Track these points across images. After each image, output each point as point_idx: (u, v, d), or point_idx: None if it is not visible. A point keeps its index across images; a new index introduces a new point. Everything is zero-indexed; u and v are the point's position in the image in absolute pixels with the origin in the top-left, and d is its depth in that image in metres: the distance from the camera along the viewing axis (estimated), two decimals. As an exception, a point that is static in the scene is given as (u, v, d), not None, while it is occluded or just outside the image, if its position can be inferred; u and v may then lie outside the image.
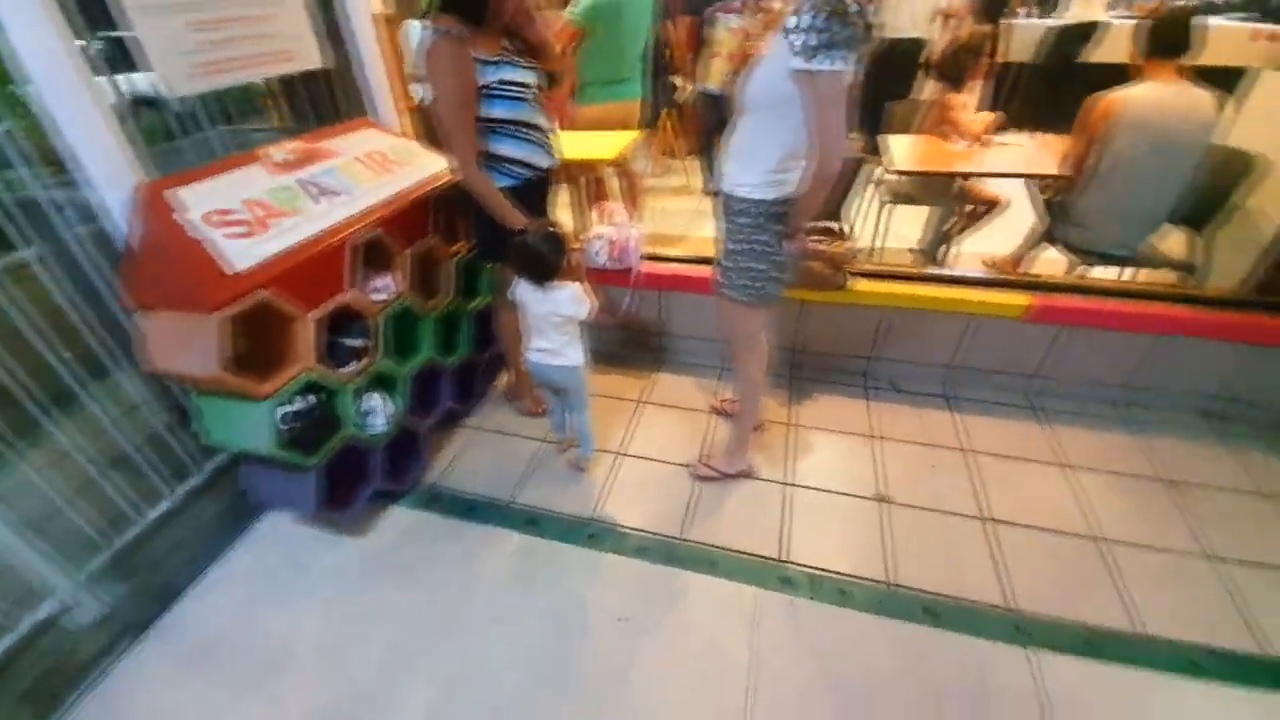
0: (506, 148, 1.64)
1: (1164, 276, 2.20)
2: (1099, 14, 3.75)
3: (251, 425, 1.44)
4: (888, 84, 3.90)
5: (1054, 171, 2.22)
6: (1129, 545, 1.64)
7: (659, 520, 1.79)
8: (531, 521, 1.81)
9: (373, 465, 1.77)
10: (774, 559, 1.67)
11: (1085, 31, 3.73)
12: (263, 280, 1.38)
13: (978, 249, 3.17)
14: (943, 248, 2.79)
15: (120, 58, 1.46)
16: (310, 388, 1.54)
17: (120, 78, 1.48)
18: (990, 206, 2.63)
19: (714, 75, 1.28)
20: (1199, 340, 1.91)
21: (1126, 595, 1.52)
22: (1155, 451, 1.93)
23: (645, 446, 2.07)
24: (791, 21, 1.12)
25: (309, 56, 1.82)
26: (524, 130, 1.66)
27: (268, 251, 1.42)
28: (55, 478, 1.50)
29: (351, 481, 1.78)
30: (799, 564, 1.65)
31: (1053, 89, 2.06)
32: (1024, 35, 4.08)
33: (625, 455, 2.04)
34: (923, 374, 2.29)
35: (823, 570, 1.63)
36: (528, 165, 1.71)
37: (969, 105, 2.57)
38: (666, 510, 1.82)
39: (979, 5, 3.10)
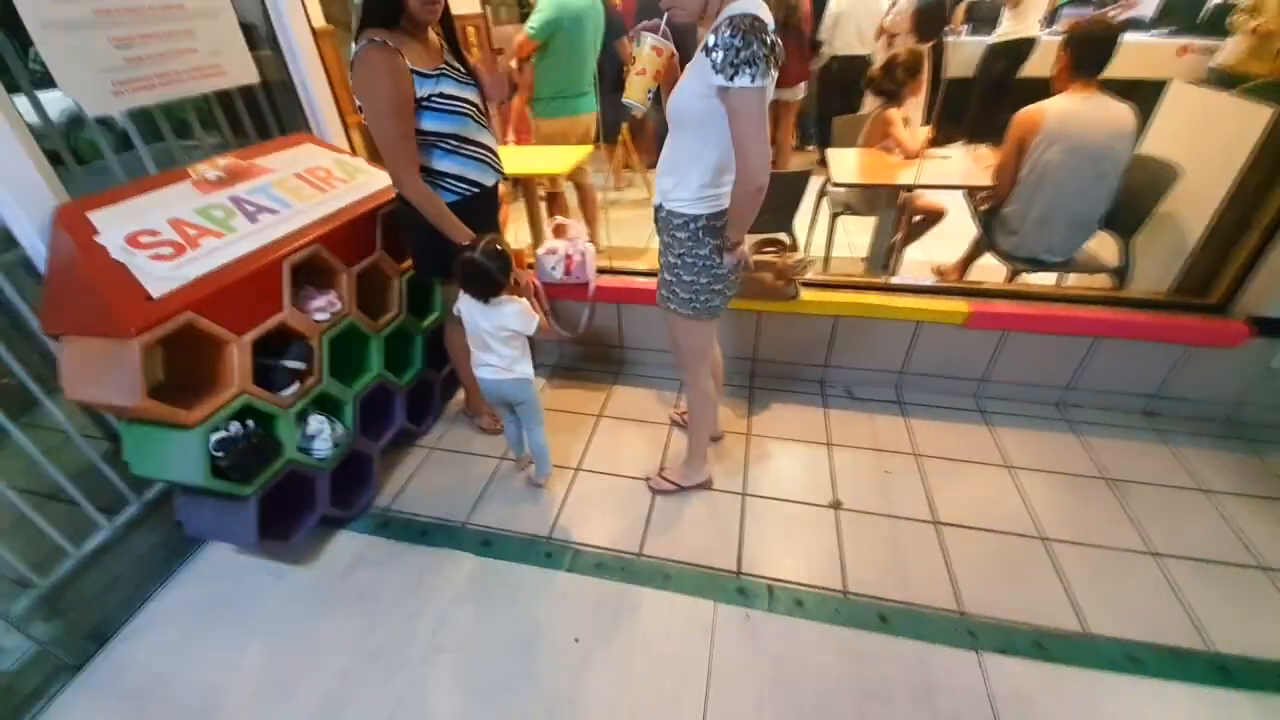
0: (447, 163, 1.62)
1: (1099, 281, 2.28)
2: (1033, 31, 3.92)
3: (180, 455, 1.38)
4: (837, 99, 4.04)
5: (985, 183, 2.30)
6: (1074, 544, 1.68)
7: (616, 536, 1.77)
8: (486, 543, 1.77)
9: (318, 491, 1.71)
10: (731, 571, 1.66)
11: (1020, 48, 3.90)
12: (188, 303, 1.32)
13: (926, 257, 3.27)
14: (892, 257, 2.86)
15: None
16: (245, 413, 1.48)
17: (56, 95, 1.42)
18: (933, 216, 2.71)
19: (634, 91, 1.27)
20: (1133, 341, 1.99)
21: (1072, 594, 1.55)
22: (1097, 451, 1.99)
23: (603, 461, 2.05)
24: (710, 39, 1.13)
25: (243, 72, 1.78)
26: (466, 146, 1.64)
27: (193, 273, 1.37)
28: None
29: (296, 508, 1.72)
30: (756, 575, 1.64)
31: (991, 103, 2.14)
32: (963, 53, 4.25)
33: (583, 470, 2.01)
34: (875, 380, 2.33)
35: (779, 580, 1.63)
36: (470, 182, 1.68)
37: (911, 120, 2.65)
38: (624, 525, 1.80)
39: (917, 23, 3.22)
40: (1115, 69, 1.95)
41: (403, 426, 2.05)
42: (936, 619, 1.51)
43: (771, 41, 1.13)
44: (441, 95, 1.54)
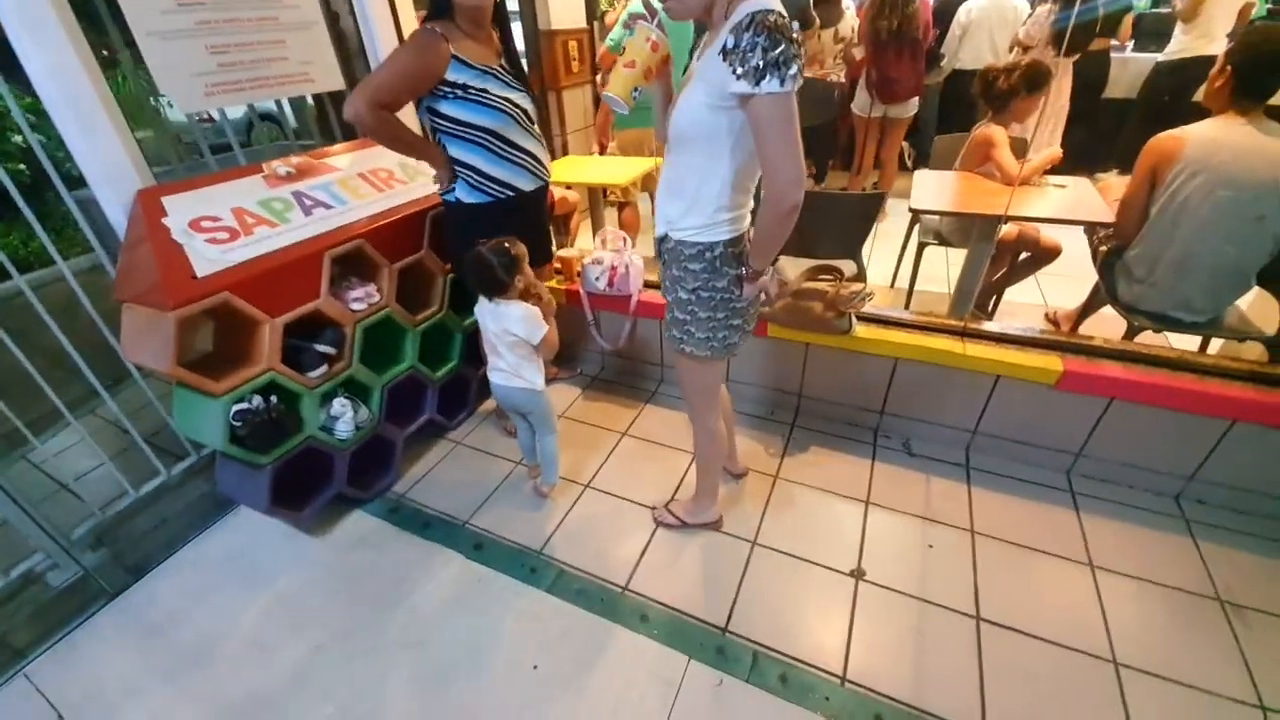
0: (479, 160, 1.65)
1: (1249, 351, 1.81)
2: (1215, 48, 3.20)
3: (207, 420, 1.51)
4: (963, 117, 3.63)
5: (1104, 218, 1.91)
6: (1154, 678, 1.32)
7: (606, 564, 1.69)
8: (478, 546, 1.77)
9: (336, 469, 1.81)
10: (717, 627, 1.50)
11: (1194, 68, 3.22)
12: (227, 284, 1.45)
13: (1042, 301, 2.84)
14: (989, 297, 2.50)
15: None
16: (272, 389, 1.60)
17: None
18: (1045, 256, 2.32)
19: (618, 85, 1.17)
20: (1286, 433, 1.54)
21: (1139, 743, 1.22)
22: (1217, 563, 1.57)
23: (614, 482, 1.97)
24: (730, 41, 1.01)
25: (329, 79, 1.94)
26: (503, 147, 1.67)
27: (240, 257, 1.50)
28: (78, 446, 1.71)
29: (316, 483, 1.83)
30: (742, 637, 1.48)
31: (1155, 130, 1.76)
32: (1124, 71, 3.64)
33: (591, 488, 1.95)
34: (942, 438, 2.02)
35: (767, 648, 1.45)
36: (506, 185, 1.71)
37: (1029, 143, 2.29)
38: (617, 554, 1.71)
39: (1057, 35, 2.79)
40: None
41: (432, 418, 2.12)
42: (947, 737, 1.26)
43: (797, 41, 1.00)
44: (484, 90, 1.58)
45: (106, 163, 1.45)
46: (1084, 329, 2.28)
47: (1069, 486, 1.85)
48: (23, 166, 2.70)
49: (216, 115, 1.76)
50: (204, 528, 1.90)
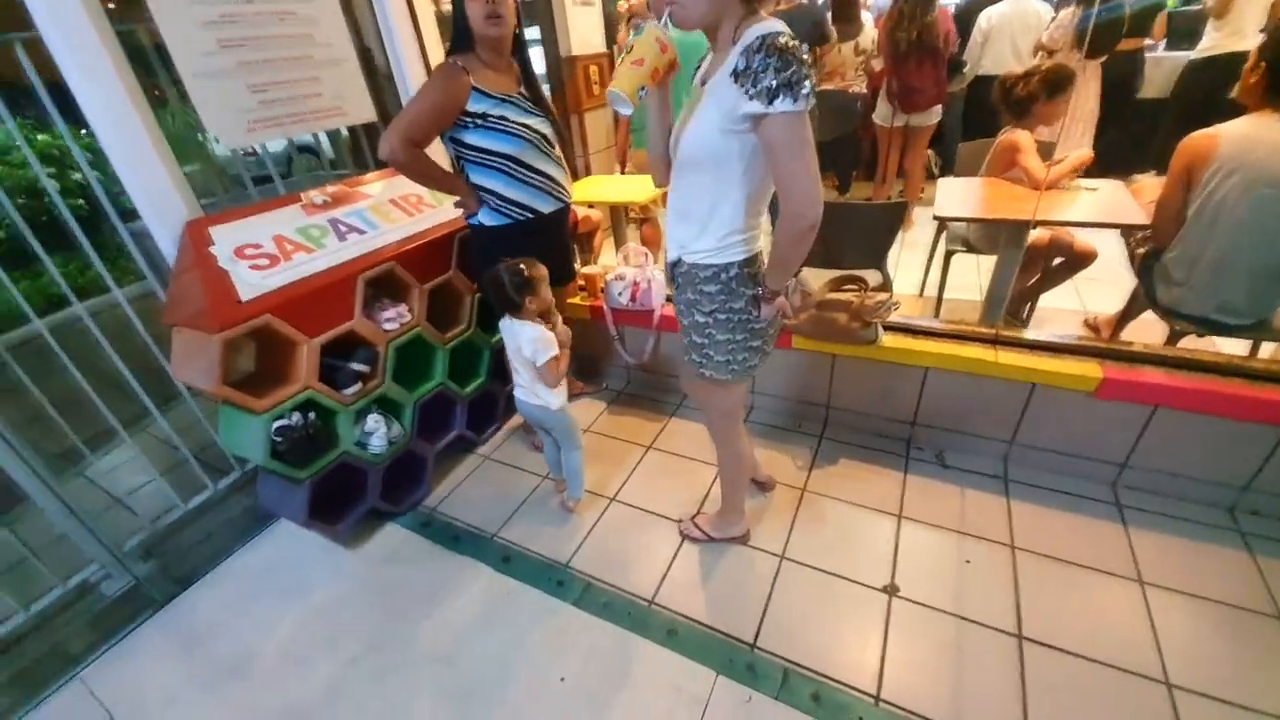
0: (499, 184, 1.70)
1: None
2: (1248, 44, 3.07)
3: (249, 436, 1.58)
4: (988, 123, 3.58)
5: (1138, 220, 1.86)
6: (1213, 700, 1.25)
7: (632, 577, 1.68)
8: (506, 559, 1.79)
9: (369, 484, 1.86)
10: (746, 643, 1.48)
11: (1227, 65, 3.11)
12: (268, 307, 1.52)
13: (1080, 306, 2.76)
14: (1022, 304, 2.44)
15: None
16: (309, 406, 1.66)
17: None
18: (1079, 260, 2.26)
19: (624, 81, 1.11)
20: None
21: (1198, 771, 1.15)
22: (1276, 577, 1.48)
23: (640, 495, 1.97)
24: (741, 64, 1.01)
25: (362, 111, 2.03)
26: (525, 172, 1.72)
27: (279, 282, 1.58)
28: (131, 462, 1.83)
29: (351, 497, 1.88)
30: (772, 653, 1.45)
31: (1189, 130, 1.71)
32: (1158, 70, 3.54)
33: (617, 501, 1.96)
34: (977, 448, 1.97)
35: (798, 666, 1.42)
36: (526, 207, 1.75)
37: (1056, 147, 2.25)
38: (643, 567, 1.71)
39: (1079, 39, 2.73)
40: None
41: (461, 433, 2.17)
42: (987, 759, 1.21)
43: (806, 61, 1.01)
44: (503, 118, 1.63)
45: (156, 196, 1.54)
46: (1126, 334, 2.21)
47: (1114, 499, 1.78)
48: (81, 201, 2.89)
49: (258, 149, 1.87)
50: (246, 540, 1.96)
